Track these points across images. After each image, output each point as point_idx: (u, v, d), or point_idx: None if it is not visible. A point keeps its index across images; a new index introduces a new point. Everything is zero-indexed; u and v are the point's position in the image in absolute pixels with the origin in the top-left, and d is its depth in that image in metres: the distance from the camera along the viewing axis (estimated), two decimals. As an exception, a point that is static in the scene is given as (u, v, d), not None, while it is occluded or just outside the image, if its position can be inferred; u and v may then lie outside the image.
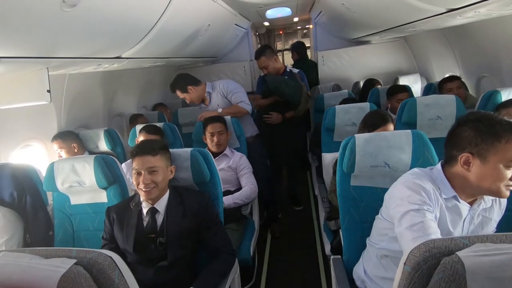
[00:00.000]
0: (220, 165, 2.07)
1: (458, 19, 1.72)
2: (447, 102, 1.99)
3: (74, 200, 1.62)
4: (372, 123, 1.63)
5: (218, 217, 1.44)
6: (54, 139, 2.26)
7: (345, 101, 2.56)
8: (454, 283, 0.52)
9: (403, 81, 3.42)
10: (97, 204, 1.60)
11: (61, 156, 2.25)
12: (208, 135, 2.13)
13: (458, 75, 2.72)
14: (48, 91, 1.48)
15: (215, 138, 2.09)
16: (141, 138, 2.19)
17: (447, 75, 3.05)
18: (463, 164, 0.97)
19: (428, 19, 1.76)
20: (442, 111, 1.97)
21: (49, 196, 1.77)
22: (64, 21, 1.19)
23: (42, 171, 1.77)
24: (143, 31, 1.78)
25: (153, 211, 1.34)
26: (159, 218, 1.33)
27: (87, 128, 2.66)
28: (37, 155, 2.26)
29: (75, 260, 0.67)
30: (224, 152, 2.14)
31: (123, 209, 1.37)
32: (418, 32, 2.75)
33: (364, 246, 1.34)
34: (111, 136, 2.44)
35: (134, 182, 1.32)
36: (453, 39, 2.76)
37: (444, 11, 1.58)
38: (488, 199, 1.06)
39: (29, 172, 1.68)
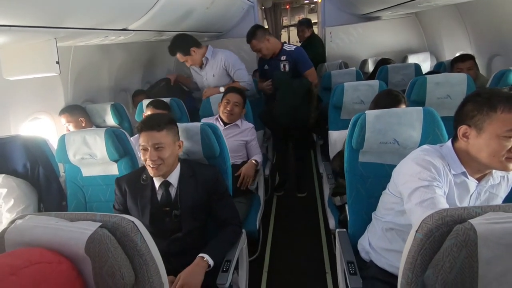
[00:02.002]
0: (230, 135, 2.12)
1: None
2: (458, 81, 1.96)
3: (86, 172, 1.65)
4: (384, 104, 1.57)
5: (227, 190, 1.48)
6: (62, 113, 2.27)
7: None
8: (466, 248, 0.55)
9: (412, 59, 3.36)
10: (108, 176, 1.63)
11: (69, 130, 2.26)
12: (224, 101, 2.14)
13: (469, 52, 2.66)
14: (57, 62, 1.47)
15: (228, 107, 2.11)
16: (148, 112, 2.19)
17: (458, 54, 2.99)
18: (462, 136, 1.00)
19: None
20: (452, 90, 1.95)
21: (61, 168, 1.81)
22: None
23: (52, 143, 1.81)
24: (149, 3, 1.74)
25: (166, 184, 1.36)
26: (172, 191, 1.36)
27: (93, 102, 2.66)
28: (46, 128, 2.28)
29: (100, 223, 0.70)
30: (235, 122, 2.17)
31: (135, 182, 1.38)
32: (432, 7, 2.65)
33: (369, 220, 1.38)
34: (118, 111, 2.44)
35: (142, 158, 1.32)
36: (467, 15, 2.67)
37: (463, -16, 1.53)
38: (496, 175, 1.07)
39: (41, 144, 1.70)
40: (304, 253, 2.16)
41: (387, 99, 1.60)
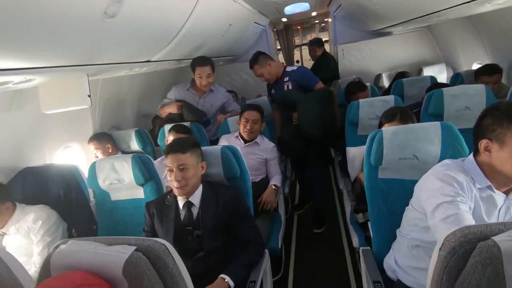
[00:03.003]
0: (251, 153, 2.19)
1: (487, 6, 1.68)
2: (476, 92, 1.94)
3: (114, 196, 1.74)
4: (383, 115, 1.69)
5: (249, 210, 1.51)
6: (90, 141, 2.42)
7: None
8: (491, 266, 0.55)
9: (427, 71, 3.34)
10: (135, 200, 1.71)
11: (97, 157, 2.40)
12: (243, 120, 2.21)
13: (487, 62, 2.63)
14: (89, 95, 1.60)
15: (248, 125, 2.18)
16: (170, 137, 2.28)
17: (476, 64, 2.95)
18: (484, 150, 1.00)
19: (454, 7, 1.73)
20: (470, 101, 1.93)
21: (90, 193, 1.92)
22: (103, 31, 1.29)
23: (82, 170, 1.93)
24: (170, 35, 1.87)
25: (188, 205, 1.41)
26: (195, 211, 1.41)
27: (118, 129, 2.81)
28: (76, 155, 2.43)
29: (135, 247, 0.75)
30: (255, 140, 2.23)
31: (161, 204, 1.46)
32: (443, 21, 2.67)
33: (393, 238, 1.36)
34: (141, 136, 2.57)
35: (169, 179, 1.40)
36: (480, 25, 2.67)
37: (472, -1, 1.55)
38: None
39: (73, 171, 1.82)
40: (328, 272, 2.12)
41: (385, 113, 1.68)
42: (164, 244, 0.78)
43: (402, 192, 1.36)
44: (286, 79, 2.52)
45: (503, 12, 2.11)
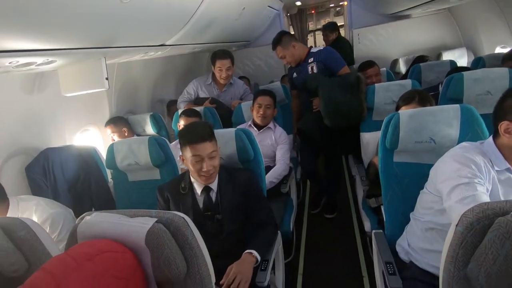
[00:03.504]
0: (264, 140, 2.20)
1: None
2: (499, 76, 1.87)
3: (132, 177, 1.80)
4: (401, 99, 1.67)
5: (262, 192, 1.54)
6: (107, 124, 2.48)
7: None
8: (509, 240, 0.55)
9: (447, 56, 3.22)
10: (151, 181, 1.76)
11: (114, 140, 2.47)
12: (256, 105, 2.22)
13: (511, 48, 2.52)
14: (106, 78, 1.64)
15: (261, 110, 2.19)
16: (181, 122, 2.31)
17: (499, 47, 2.83)
18: (504, 132, 0.98)
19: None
20: (492, 86, 1.86)
21: (109, 174, 1.99)
22: (121, 13, 1.30)
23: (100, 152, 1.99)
24: (185, 19, 1.87)
25: (207, 190, 1.41)
26: (213, 196, 1.42)
27: (134, 113, 2.87)
28: (94, 138, 2.50)
29: (156, 219, 0.79)
30: (268, 126, 2.24)
31: (176, 191, 1.43)
32: (466, 1, 2.56)
33: (406, 221, 1.36)
34: (156, 120, 2.61)
35: (192, 169, 1.35)
36: (507, 5, 2.53)
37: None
38: None
39: (92, 152, 1.89)
40: (338, 256, 2.15)
41: (402, 96, 1.65)
42: (183, 217, 0.81)
43: (417, 176, 1.35)
44: (310, 59, 2.35)
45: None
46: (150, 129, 2.62)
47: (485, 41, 3.08)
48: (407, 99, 1.61)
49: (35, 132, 1.88)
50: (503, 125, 0.98)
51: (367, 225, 1.78)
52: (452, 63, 2.70)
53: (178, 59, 3.40)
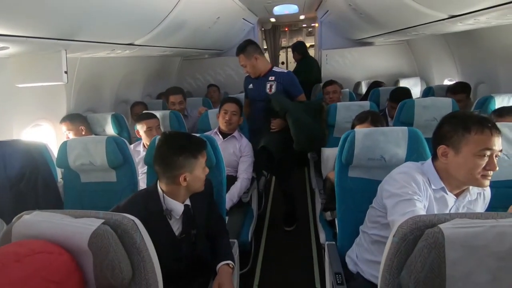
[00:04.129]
0: (228, 148, 2.18)
1: (459, 26, 1.80)
2: (444, 105, 2.08)
3: (85, 178, 1.70)
4: (356, 117, 1.83)
5: (221, 201, 1.53)
6: (63, 121, 2.33)
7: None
8: (435, 250, 0.61)
9: (403, 83, 3.51)
10: (106, 183, 1.68)
11: (69, 137, 2.31)
12: (222, 112, 2.22)
13: (456, 80, 2.82)
14: (66, 72, 1.56)
15: (227, 116, 2.18)
16: (144, 126, 2.22)
17: (447, 80, 3.15)
18: (441, 155, 1.09)
19: (431, 24, 1.85)
20: (438, 113, 2.05)
21: (59, 173, 1.85)
22: (85, 5, 1.26)
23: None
24: (156, 20, 1.86)
25: (186, 209, 1.26)
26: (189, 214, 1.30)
27: (94, 112, 2.72)
28: (45, 135, 2.33)
29: (103, 220, 0.75)
30: (233, 134, 2.24)
31: (143, 214, 1.12)
32: (420, 36, 2.83)
33: (357, 234, 1.43)
34: (118, 121, 2.51)
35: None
36: (454, 45, 2.85)
37: (446, 17, 1.67)
38: (473, 191, 1.15)
39: (41, 149, 1.75)
40: (295, 267, 2.18)
41: (355, 119, 1.81)
42: (132, 220, 0.79)
43: (369, 191, 1.43)
44: (271, 78, 2.38)
45: (474, 33, 2.27)
46: (110, 130, 2.50)
47: (436, 73, 3.41)
48: (361, 118, 1.74)
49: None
50: (441, 149, 1.09)
51: (322, 237, 1.84)
52: (406, 90, 2.94)
53: (147, 60, 3.33)
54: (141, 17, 1.71)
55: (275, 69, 2.44)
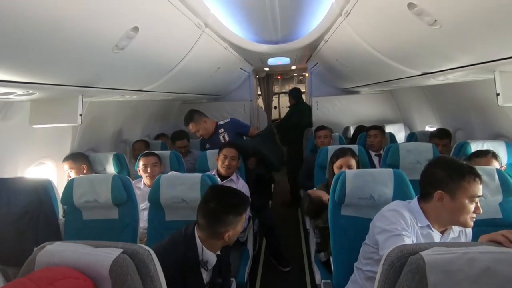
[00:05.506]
0: None
1: (432, 81, 2.07)
2: (425, 150, 2.27)
3: (87, 215, 1.74)
4: (332, 155, 2.08)
5: None
6: (66, 160, 2.41)
7: None
8: (418, 274, 0.71)
9: (388, 129, 3.75)
10: (108, 221, 1.72)
11: (70, 176, 2.37)
12: (221, 156, 2.34)
13: (436, 127, 3.07)
14: (80, 114, 1.69)
15: (226, 161, 2.30)
16: (141, 163, 2.33)
17: (428, 126, 3.41)
18: (438, 199, 1.20)
19: (407, 78, 2.10)
20: (421, 157, 2.24)
21: (60, 211, 1.89)
22: (109, 60, 1.44)
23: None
24: (165, 70, 2.06)
25: (219, 258, 1.29)
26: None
27: (95, 151, 2.82)
28: (48, 173, 2.38)
29: (122, 249, 0.83)
30: (231, 177, 2.33)
31: (186, 264, 1.21)
32: (401, 87, 3.14)
33: (352, 271, 1.49)
34: (119, 160, 2.60)
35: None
36: (431, 96, 3.16)
37: (420, 74, 1.92)
38: (456, 229, 1.27)
39: (47, 186, 1.81)
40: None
41: (336, 152, 2.08)
42: (148, 250, 0.86)
43: (361, 229, 1.53)
44: (221, 130, 2.83)
45: (449, 85, 2.56)
46: (111, 169, 2.58)
47: (417, 120, 3.70)
48: (342, 153, 1.99)
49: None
50: (438, 194, 1.19)
51: (317, 277, 1.86)
52: (391, 135, 3.18)
53: (148, 103, 3.52)
54: (153, 68, 1.91)
55: (220, 122, 2.91)
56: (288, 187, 4.26)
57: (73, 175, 2.38)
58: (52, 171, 2.40)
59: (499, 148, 2.13)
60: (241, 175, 2.52)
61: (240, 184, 2.33)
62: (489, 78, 1.60)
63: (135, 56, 1.53)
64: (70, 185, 1.72)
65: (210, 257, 1.24)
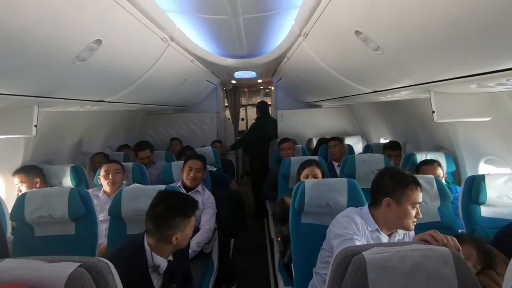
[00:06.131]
0: None
1: (382, 98, 2.28)
2: (379, 160, 2.47)
3: (39, 231, 1.65)
4: (299, 166, 2.20)
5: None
6: (17, 173, 2.25)
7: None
8: (360, 272, 0.79)
9: (347, 141, 4.02)
10: (63, 236, 1.64)
11: (21, 190, 2.22)
12: (186, 168, 2.32)
13: (389, 140, 3.35)
14: (36, 125, 1.62)
15: (191, 173, 2.29)
16: (102, 170, 2.26)
17: (382, 139, 3.70)
18: (385, 206, 1.33)
19: (360, 95, 2.30)
20: (374, 167, 2.42)
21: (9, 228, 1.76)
22: (69, 70, 1.42)
23: None
24: (129, 82, 2.05)
25: (170, 264, 1.30)
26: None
27: (50, 163, 2.66)
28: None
29: (79, 263, 0.82)
30: (197, 189, 2.32)
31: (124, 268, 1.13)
32: (357, 102, 3.40)
33: (311, 276, 1.57)
34: (77, 173, 2.48)
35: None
36: (385, 111, 3.45)
37: (370, 91, 2.12)
38: (400, 232, 1.41)
39: (-6, 202, 1.69)
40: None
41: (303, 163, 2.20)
42: (107, 263, 0.86)
43: (319, 235, 1.61)
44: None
45: (399, 102, 2.82)
46: (68, 182, 2.45)
47: (373, 132, 4.00)
48: (308, 163, 2.15)
49: None
50: (386, 201, 1.32)
51: (280, 284, 1.92)
52: (349, 146, 3.41)
53: (110, 114, 3.41)
54: (115, 79, 1.89)
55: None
56: (251, 198, 4.32)
57: (24, 189, 2.22)
58: (0, 185, 2.23)
59: (440, 158, 2.38)
60: (207, 186, 2.53)
61: (206, 195, 2.34)
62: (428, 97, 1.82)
63: (97, 67, 1.52)
64: (21, 200, 1.62)
65: (160, 262, 1.25)
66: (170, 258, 1.31)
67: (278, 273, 2.07)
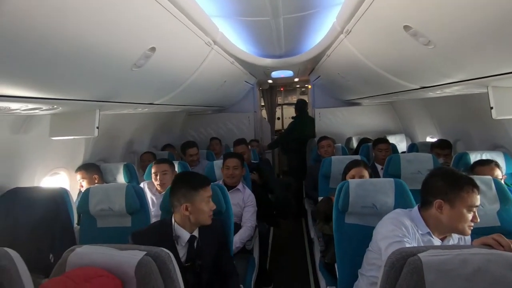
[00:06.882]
0: (233, 199, 2.31)
1: (430, 94, 2.16)
2: (426, 159, 2.34)
3: (101, 223, 1.82)
4: (346, 167, 2.10)
5: (229, 242, 1.65)
6: (79, 170, 2.50)
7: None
8: (416, 274, 0.78)
9: (390, 139, 3.80)
10: (121, 228, 1.80)
11: (82, 186, 2.47)
12: (225, 167, 2.43)
13: (437, 138, 3.15)
14: (97, 127, 1.79)
15: (230, 172, 2.39)
16: (152, 170, 2.43)
17: (429, 137, 3.49)
18: (437, 208, 1.27)
19: (406, 91, 2.20)
20: (421, 167, 2.31)
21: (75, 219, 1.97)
22: (127, 77, 1.55)
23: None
24: (177, 85, 2.18)
25: (192, 239, 1.43)
26: (195, 244, 1.45)
27: (105, 161, 2.92)
28: (61, 182, 2.48)
29: (145, 252, 0.91)
30: (237, 187, 2.41)
31: (155, 239, 1.27)
32: (401, 99, 3.24)
33: (355, 278, 1.54)
34: (129, 170, 2.69)
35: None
36: (432, 107, 3.25)
37: (418, 87, 2.02)
38: (455, 236, 1.33)
39: (63, 194, 1.90)
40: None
41: (348, 164, 2.10)
42: (168, 253, 0.94)
43: (364, 236, 1.58)
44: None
45: (448, 97, 2.65)
46: (121, 178, 2.67)
47: (418, 131, 3.78)
48: (355, 164, 2.04)
49: (3, 171, 1.88)
50: (437, 203, 1.26)
51: (322, 284, 1.91)
52: (393, 145, 3.26)
53: (155, 115, 3.64)
54: (164, 83, 2.02)
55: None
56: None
57: (85, 184, 2.47)
58: (65, 181, 2.50)
59: (498, 158, 2.19)
60: (247, 184, 2.59)
61: (246, 193, 2.41)
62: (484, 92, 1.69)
63: (150, 73, 1.64)
64: (86, 194, 1.80)
65: (182, 233, 1.42)
66: (196, 234, 1.45)
67: (320, 272, 2.06)
